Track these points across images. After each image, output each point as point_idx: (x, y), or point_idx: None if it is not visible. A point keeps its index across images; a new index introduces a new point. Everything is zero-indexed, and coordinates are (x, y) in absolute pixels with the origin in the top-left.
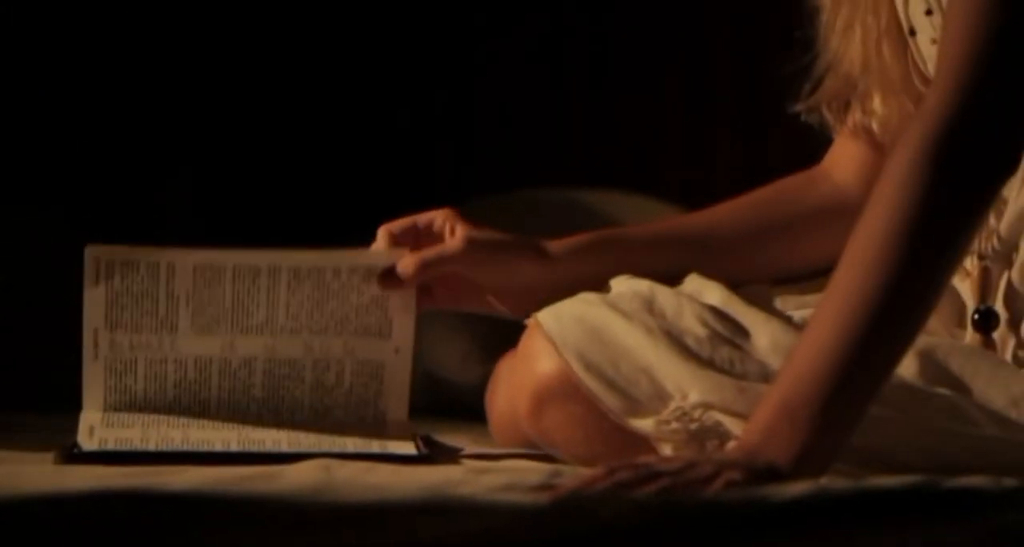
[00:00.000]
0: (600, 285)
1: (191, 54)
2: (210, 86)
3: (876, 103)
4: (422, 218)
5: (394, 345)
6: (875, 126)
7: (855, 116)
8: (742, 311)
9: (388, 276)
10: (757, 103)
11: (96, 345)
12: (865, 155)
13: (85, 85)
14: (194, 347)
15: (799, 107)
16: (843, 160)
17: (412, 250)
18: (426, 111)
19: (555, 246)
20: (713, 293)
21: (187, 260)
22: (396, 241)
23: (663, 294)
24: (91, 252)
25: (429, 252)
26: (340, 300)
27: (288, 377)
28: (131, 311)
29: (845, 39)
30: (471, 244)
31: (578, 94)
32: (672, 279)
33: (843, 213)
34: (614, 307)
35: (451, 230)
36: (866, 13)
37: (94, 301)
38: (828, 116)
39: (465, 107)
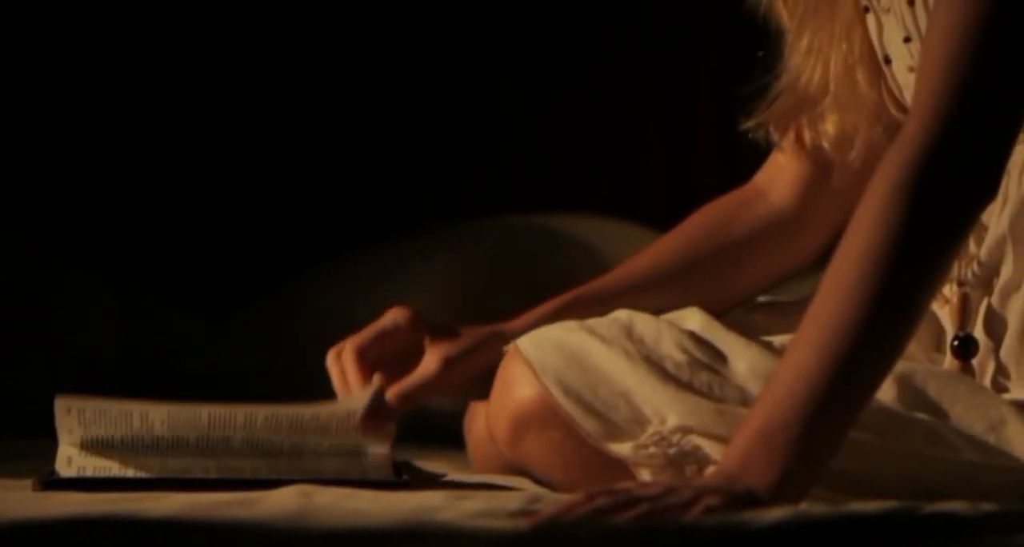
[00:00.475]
0: None
1: (171, 75)
2: (192, 108)
3: (830, 123)
4: (386, 328)
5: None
6: (827, 145)
7: (804, 134)
8: (721, 336)
9: (370, 418)
10: (738, 127)
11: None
12: (806, 172)
13: (54, 107)
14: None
15: (749, 123)
16: (782, 177)
17: (379, 361)
18: (406, 138)
19: (518, 326)
20: (692, 318)
21: (160, 408)
22: (364, 357)
23: (642, 320)
24: (61, 403)
25: (408, 385)
26: (320, 435)
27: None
28: (104, 439)
29: (809, 62)
30: (448, 364)
31: (557, 119)
32: None
33: (782, 233)
34: (593, 333)
35: (417, 341)
36: (840, 40)
37: (66, 440)
38: (774, 133)
39: (444, 134)
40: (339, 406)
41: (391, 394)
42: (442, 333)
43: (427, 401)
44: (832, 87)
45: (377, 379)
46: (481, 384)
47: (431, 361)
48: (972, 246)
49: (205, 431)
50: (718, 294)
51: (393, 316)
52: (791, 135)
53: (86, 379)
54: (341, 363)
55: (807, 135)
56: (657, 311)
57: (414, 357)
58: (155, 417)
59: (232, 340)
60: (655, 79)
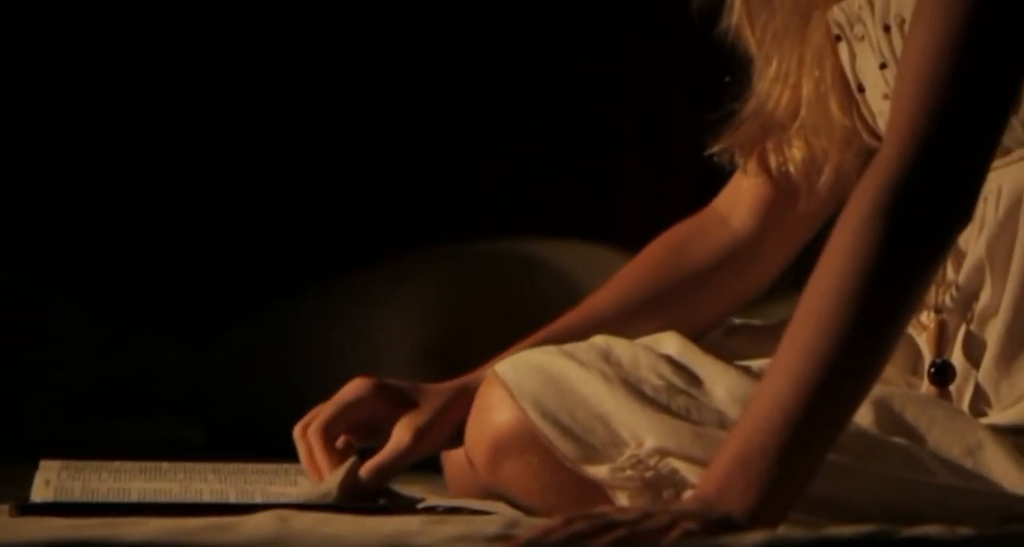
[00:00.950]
0: None
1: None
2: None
3: (796, 149)
4: (350, 401)
5: None
6: (793, 170)
7: (770, 158)
8: (698, 361)
9: (345, 497)
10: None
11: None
12: (768, 196)
13: (36, 137)
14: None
15: (715, 147)
16: (742, 201)
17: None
18: (382, 163)
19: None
20: (670, 343)
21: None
22: (330, 432)
23: (619, 345)
24: (45, 466)
25: (382, 461)
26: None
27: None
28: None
29: (777, 88)
30: (419, 435)
31: (532, 144)
32: None
33: (741, 258)
34: (571, 356)
35: (382, 410)
36: (812, 67)
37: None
38: (739, 158)
39: (419, 159)
40: (313, 490)
41: (365, 472)
42: (407, 401)
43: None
44: (803, 113)
45: (352, 461)
46: (456, 437)
47: (402, 435)
48: (950, 272)
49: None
50: (684, 322)
51: (356, 389)
52: (755, 159)
53: (66, 404)
54: (307, 440)
55: (773, 160)
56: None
57: (382, 423)
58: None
59: (212, 365)
60: (630, 104)
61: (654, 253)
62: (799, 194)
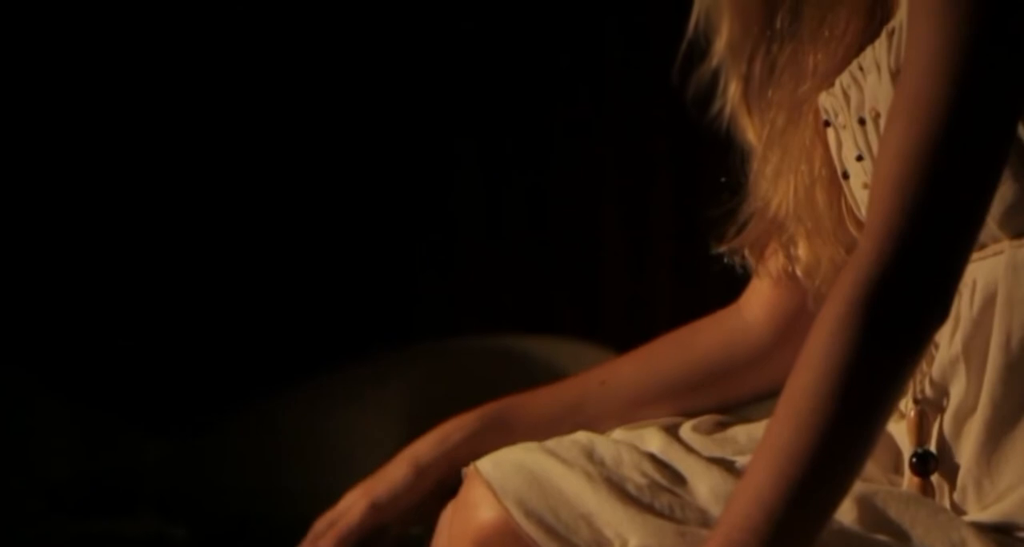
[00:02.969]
0: None
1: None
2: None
3: (801, 249)
4: (345, 534)
5: None
6: (799, 272)
7: (778, 261)
8: (681, 458)
9: None
10: (697, 248)
11: None
12: (780, 299)
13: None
14: None
15: (722, 248)
16: (757, 301)
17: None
18: (363, 258)
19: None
20: (653, 440)
21: None
22: None
23: (602, 443)
24: None
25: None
26: None
27: None
28: None
29: (775, 185)
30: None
31: (515, 239)
32: None
33: (755, 354)
34: (553, 454)
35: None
36: (799, 161)
37: None
38: (749, 258)
39: (404, 254)
40: None
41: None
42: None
43: None
44: (794, 207)
45: None
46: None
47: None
48: (924, 365)
49: None
50: (688, 409)
51: (346, 503)
52: (764, 260)
53: (48, 501)
54: None
55: (779, 260)
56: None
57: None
58: None
59: (195, 462)
60: (613, 200)
61: (665, 338)
62: (807, 293)
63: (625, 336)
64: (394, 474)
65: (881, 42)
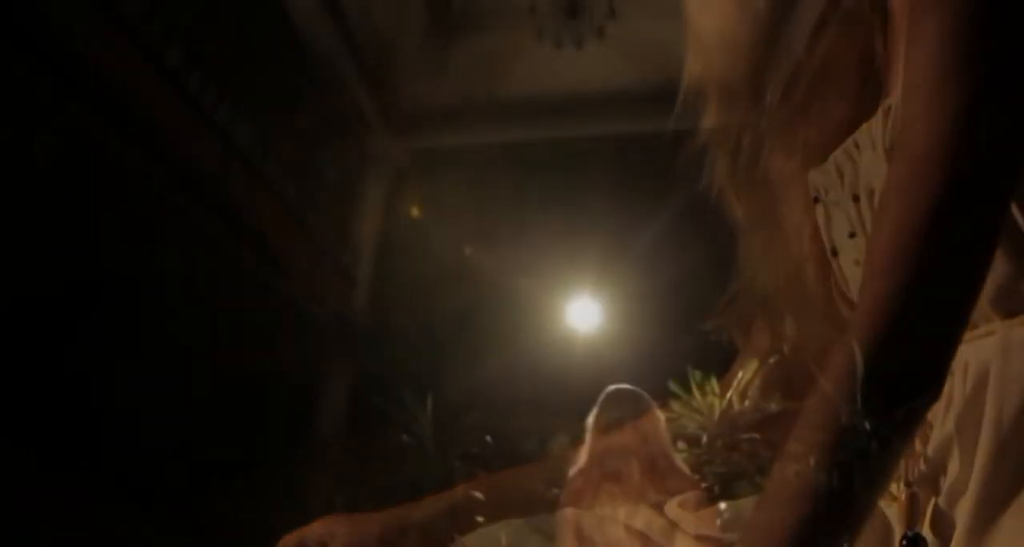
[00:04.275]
0: None
1: None
2: None
3: (788, 327)
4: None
5: None
6: (785, 349)
7: (764, 338)
8: (667, 534)
9: None
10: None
11: None
12: (768, 376)
13: None
14: None
15: (708, 324)
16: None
17: None
18: None
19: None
20: (638, 515)
21: None
22: None
23: (588, 519)
24: None
25: None
26: None
27: None
28: None
29: (763, 263)
30: None
31: None
32: None
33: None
34: (539, 531)
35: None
36: (788, 239)
37: None
38: (736, 335)
39: None
40: None
41: None
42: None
43: None
44: (783, 285)
45: None
46: None
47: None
48: (918, 444)
49: None
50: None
51: (314, 528)
52: (751, 337)
53: None
54: None
55: (767, 339)
56: None
57: None
58: None
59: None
60: None
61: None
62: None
63: None
64: (378, 519)
65: (877, 120)
